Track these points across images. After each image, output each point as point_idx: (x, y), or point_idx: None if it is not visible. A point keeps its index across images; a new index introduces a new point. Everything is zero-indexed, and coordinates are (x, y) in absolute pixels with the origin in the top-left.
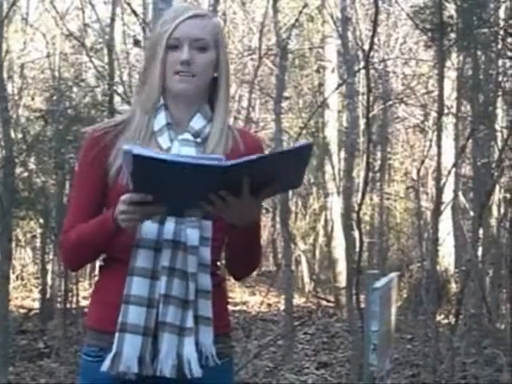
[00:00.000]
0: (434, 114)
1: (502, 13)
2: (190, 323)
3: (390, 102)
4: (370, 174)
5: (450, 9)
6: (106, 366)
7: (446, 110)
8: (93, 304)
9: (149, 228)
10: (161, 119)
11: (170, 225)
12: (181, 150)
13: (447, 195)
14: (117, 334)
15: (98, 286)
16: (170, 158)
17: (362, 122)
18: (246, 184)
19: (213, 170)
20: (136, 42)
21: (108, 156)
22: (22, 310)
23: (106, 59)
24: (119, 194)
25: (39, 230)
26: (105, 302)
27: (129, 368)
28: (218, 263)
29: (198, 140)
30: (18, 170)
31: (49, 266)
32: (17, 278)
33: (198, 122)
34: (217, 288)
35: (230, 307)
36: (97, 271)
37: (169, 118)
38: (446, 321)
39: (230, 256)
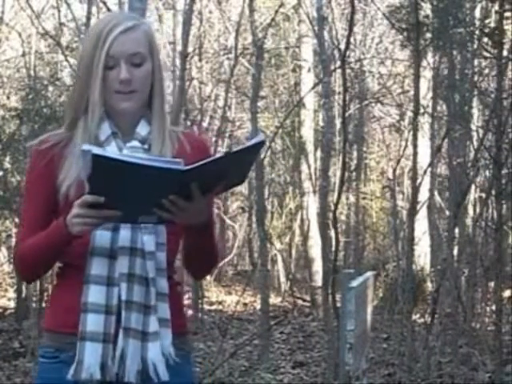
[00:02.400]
0: (409, 114)
1: (477, 13)
2: (154, 327)
3: (366, 102)
4: (346, 174)
5: (426, 8)
6: (70, 374)
7: (421, 110)
8: (50, 308)
9: (102, 236)
10: (105, 129)
11: (125, 232)
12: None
13: (423, 195)
14: (78, 343)
15: (54, 292)
16: (130, 160)
17: (338, 122)
18: (195, 188)
19: (171, 173)
20: None
21: (56, 168)
22: None
23: None
24: (68, 208)
25: (14, 230)
26: (61, 306)
27: (91, 375)
28: (174, 266)
29: (145, 146)
30: None
31: None
32: None
33: (143, 129)
34: (172, 290)
35: (207, 306)
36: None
37: (113, 126)
38: (421, 320)
39: (187, 257)
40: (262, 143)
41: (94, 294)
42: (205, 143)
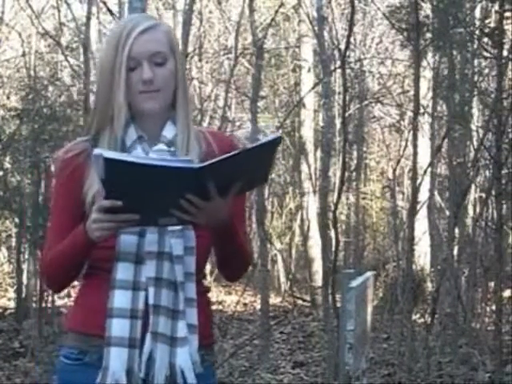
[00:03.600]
0: (409, 114)
1: (477, 13)
2: (182, 333)
3: (366, 102)
4: (346, 174)
5: (426, 9)
6: (98, 379)
7: (421, 110)
8: (76, 308)
9: (128, 241)
10: (131, 133)
11: (152, 236)
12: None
13: (423, 194)
14: (104, 349)
15: (81, 292)
16: (142, 161)
17: (338, 122)
18: (212, 187)
19: (185, 172)
20: None
21: (81, 178)
22: None
23: (82, 58)
24: None
25: (14, 230)
26: (88, 306)
27: (117, 380)
28: (203, 271)
29: (172, 149)
30: None
31: (24, 266)
32: None
33: (169, 131)
34: (201, 297)
35: None
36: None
37: (139, 130)
38: (421, 320)
39: (218, 259)
40: (278, 140)
41: (120, 299)
42: (232, 142)
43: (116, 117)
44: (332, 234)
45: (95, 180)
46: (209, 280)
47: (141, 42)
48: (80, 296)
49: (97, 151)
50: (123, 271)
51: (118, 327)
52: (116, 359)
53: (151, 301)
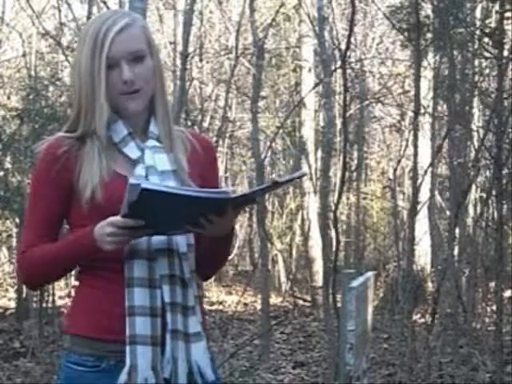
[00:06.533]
0: (410, 114)
1: (478, 13)
2: (195, 328)
3: (367, 102)
4: (347, 174)
5: (427, 9)
6: (122, 379)
7: (422, 110)
8: (81, 311)
9: (139, 239)
10: (120, 130)
11: None
12: (154, 157)
13: (424, 195)
14: (128, 348)
15: (85, 294)
16: (180, 192)
17: (338, 122)
18: (231, 207)
19: (220, 201)
20: None
21: (71, 175)
22: None
23: None
24: (95, 211)
25: (15, 230)
26: (98, 310)
27: (146, 379)
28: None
29: (163, 145)
30: None
31: None
32: None
33: (155, 127)
34: (199, 292)
35: (207, 307)
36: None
37: (129, 126)
38: (422, 320)
39: (200, 258)
40: (304, 175)
41: (139, 297)
42: (211, 144)
43: (98, 117)
44: (332, 234)
45: (92, 176)
46: (209, 280)
47: (118, 41)
48: (84, 298)
49: (133, 180)
50: (139, 269)
51: (142, 325)
52: (142, 358)
53: (167, 299)
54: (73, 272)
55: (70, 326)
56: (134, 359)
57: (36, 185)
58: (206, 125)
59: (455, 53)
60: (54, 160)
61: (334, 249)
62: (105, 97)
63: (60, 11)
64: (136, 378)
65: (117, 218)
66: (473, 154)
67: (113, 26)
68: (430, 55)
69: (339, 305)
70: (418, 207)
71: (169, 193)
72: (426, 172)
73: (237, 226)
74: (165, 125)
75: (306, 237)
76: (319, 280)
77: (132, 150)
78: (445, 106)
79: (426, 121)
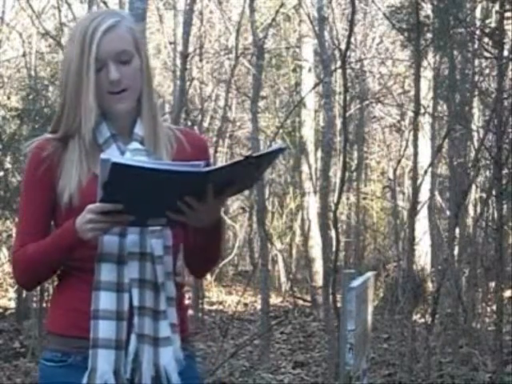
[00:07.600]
0: (410, 114)
1: (478, 13)
2: (165, 333)
3: (367, 102)
4: (347, 174)
5: (427, 9)
6: (84, 381)
7: (422, 110)
8: (56, 310)
9: (110, 242)
10: (104, 131)
11: (133, 237)
12: (133, 160)
13: (423, 195)
14: (90, 351)
15: (59, 292)
16: (151, 166)
17: (338, 122)
18: (210, 190)
19: (192, 176)
20: None
21: (54, 177)
22: None
23: None
24: (72, 215)
25: (15, 230)
26: (68, 308)
27: (106, 381)
28: (176, 268)
29: (147, 147)
30: None
31: None
32: None
33: (140, 129)
34: (176, 291)
35: (207, 307)
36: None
37: (112, 128)
38: (422, 320)
39: (191, 255)
40: (282, 150)
41: (105, 301)
42: (204, 142)
43: (85, 119)
44: (332, 234)
45: (71, 180)
46: (209, 280)
47: (105, 42)
48: (58, 297)
49: (104, 155)
50: (106, 272)
51: (105, 329)
52: (104, 361)
53: (136, 302)
54: None
55: (46, 323)
56: (95, 362)
57: (25, 186)
58: (206, 125)
59: (455, 53)
60: (40, 161)
61: (334, 249)
62: (94, 98)
63: (60, 11)
64: (95, 380)
65: (95, 205)
66: (473, 154)
67: (99, 26)
68: (430, 55)
69: (339, 305)
70: (418, 207)
71: (140, 167)
72: (425, 172)
73: (237, 226)
74: (150, 126)
75: (305, 237)
76: (319, 280)
77: (112, 152)
78: (445, 106)
79: (425, 121)
